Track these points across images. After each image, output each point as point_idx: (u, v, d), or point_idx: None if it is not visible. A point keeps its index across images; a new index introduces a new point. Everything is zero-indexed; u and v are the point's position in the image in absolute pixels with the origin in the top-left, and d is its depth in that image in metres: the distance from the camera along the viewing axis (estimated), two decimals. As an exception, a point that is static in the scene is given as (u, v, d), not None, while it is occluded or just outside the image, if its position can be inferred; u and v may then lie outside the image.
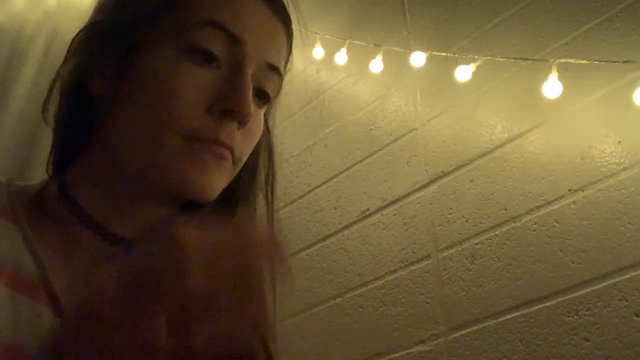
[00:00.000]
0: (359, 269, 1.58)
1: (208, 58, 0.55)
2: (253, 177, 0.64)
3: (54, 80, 0.59)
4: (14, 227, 0.53)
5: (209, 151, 0.54)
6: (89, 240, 0.55)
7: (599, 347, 1.14)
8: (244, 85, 0.55)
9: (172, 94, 0.54)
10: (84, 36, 0.59)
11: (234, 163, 0.57)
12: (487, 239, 1.37)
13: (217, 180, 0.55)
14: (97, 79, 0.57)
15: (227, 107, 0.54)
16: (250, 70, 0.57)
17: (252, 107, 0.56)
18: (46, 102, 0.60)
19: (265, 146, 0.65)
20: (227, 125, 0.55)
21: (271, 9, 0.60)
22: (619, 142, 1.24)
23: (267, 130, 0.65)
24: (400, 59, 1.68)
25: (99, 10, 0.60)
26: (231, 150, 0.56)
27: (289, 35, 0.63)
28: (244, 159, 0.59)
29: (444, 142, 1.53)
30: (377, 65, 1.72)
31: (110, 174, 0.57)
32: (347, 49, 1.82)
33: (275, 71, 0.60)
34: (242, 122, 0.56)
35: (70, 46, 0.60)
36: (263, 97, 0.60)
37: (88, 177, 0.58)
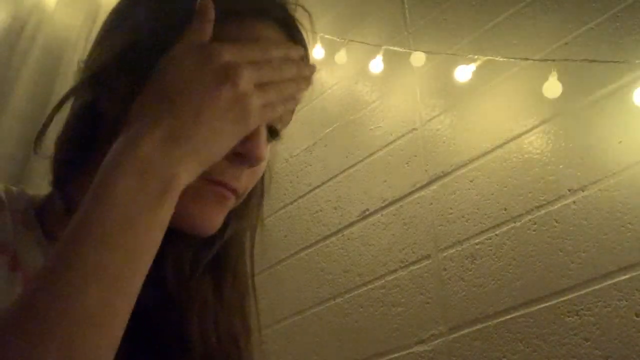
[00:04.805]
0: (359, 269, 1.58)
1: None
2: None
3: (57, 107, 0.58)
4: (31, 233, 0.55)
5: (212, 192, 0.54)
6: None
7: (599, 347, 1.14)
8: (260, 130, 0.54)
9: None
10: (100, 62, 0.56)
11: (236, 199, 0.57)
12: (487, 239, 1.37)
13: (217, 219, 0.55)
14: (110, 100, 0.55)
15: (242, 152, 0.53)
16: None
17: (266, 150, 0.56)
18: (42, 131, 0.58)
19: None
20: (236, 168, 0.54)
21: (288, 39, 0.59)
22: (619, 142, 1.24)
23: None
24: (400, 59, 1.68)
25: (111, 34, 0.58)
26: (235, 192, 0.55)
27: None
28: (247, 192, 0.59)
29: (444, 142, 1.53)
30: (377, 65, 1.72)
31: None
32: (347, 49, 1.82)
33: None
34: (253, 166, 0.55)
35: (85, 68, 0.58)
36: (273, 134, 0.60)
37: None
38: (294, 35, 0.60)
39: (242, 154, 0.54)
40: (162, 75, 0.49)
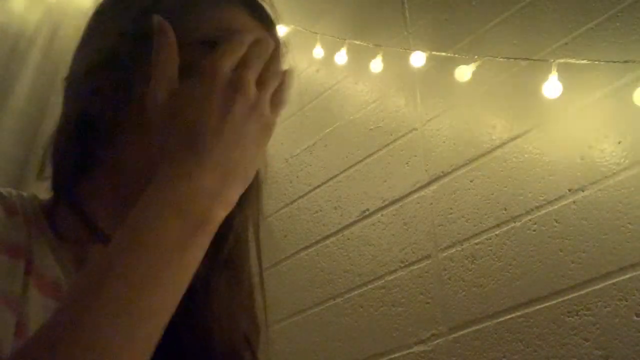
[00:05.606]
0: (359, 269, 1.58)
1: None
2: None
3: (59, 134, 0.58)
4: (43, 237, 0.56)
5: None
6: None
7: (599, 347, 1.14)
8: None
9: None
10: (90, 70, 0.57)
11: None
12: (487, 239, 1.37)
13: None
14: (102, 102, 0.56)
15: None
16: None
17: None
18: (43, 162, 0.59)
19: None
20: None
21: (259, 22, 0.61)
22: (619, 142, 1.24)
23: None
24: (400, 59, 1.68)
25: (99, 40, 0.59)
26: None
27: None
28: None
29: (444, 142, 1.53)
30: (377, 65, 1.72)
31: (122, 192, 0.58)
32: (347, 49, 1.81)
33: None
34: None
35: (73, 74, 0.59)
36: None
37: (100, 194, 0.58)
38: (261, 15, 0.62)
39: None
40: (173, 114, 0.48)
